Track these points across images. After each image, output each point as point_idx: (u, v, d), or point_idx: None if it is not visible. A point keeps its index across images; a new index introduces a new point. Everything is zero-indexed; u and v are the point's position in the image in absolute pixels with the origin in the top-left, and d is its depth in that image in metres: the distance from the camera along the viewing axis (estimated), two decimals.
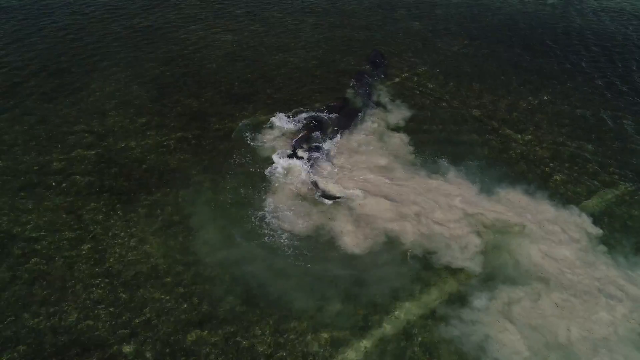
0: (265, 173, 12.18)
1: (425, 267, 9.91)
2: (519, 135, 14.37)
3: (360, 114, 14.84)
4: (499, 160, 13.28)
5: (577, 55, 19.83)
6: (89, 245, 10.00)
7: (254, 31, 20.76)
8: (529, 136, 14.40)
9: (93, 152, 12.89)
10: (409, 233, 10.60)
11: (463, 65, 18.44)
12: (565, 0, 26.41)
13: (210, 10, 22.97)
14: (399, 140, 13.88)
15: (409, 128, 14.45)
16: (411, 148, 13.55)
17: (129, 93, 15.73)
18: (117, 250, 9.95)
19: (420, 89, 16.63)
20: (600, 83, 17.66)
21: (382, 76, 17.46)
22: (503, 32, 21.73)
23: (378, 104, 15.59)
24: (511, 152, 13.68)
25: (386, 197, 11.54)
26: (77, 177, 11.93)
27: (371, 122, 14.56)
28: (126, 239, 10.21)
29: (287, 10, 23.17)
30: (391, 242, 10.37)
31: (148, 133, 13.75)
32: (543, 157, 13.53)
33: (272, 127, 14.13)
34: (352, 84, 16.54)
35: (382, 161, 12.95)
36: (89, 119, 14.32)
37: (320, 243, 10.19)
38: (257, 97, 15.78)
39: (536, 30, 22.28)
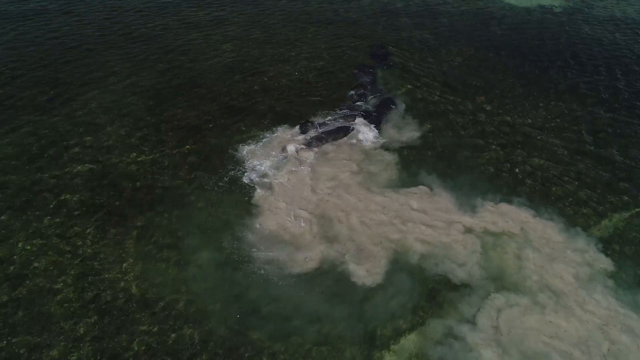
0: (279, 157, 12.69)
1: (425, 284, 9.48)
2: (525, 152, 13.89)
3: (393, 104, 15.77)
4: (504, 177, 12.82)
5: (584, 67, 19.34)
6: (76, 272, 9.59)
7: (255, 40, 20.37)
8: (536, 153, 13.91)
9: (86, 168, 12.51)
10: (412, 251, 10.26)
11: (468, 77, 17.98)
12: (571, 8, 25.91)
13: (211, 17, 22.61)
14: (398, 154, 13.51)
15: (411, 142, 14.06)
16: (412, 162, 13.19)
17: (125, 105, 15.36)
18: (106, 276, 9.54)
19: (424, 101, 16.16)
20: (608, 97, 17.17)
21: (385, 67, 18.28)
22: (508, 42, 21.26)
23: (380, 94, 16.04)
24: (516, 169, 13.21)
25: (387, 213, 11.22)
26: (68, 195, 11.54)
27: (373, 136, 14.11)
28: (116, 265, 9.80)
29: (289, 18, 22.78)
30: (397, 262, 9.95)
31: (143, 148, 13.36)
32: (551, 175, 13.04)
33: (270, 142, 13.71)
34: (355, 74, 17.50)
35: (383, 176, 12.60)
36: (83, 132, 13.95)
37: (318, 270, 9.74)
38: (256, 109, 15.38)
39: (542, 40, 21.80)
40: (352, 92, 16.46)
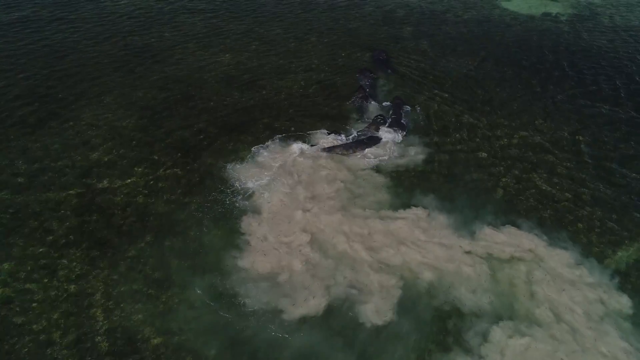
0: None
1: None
2: (535, 174, 13.28)
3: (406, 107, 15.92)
4: (513, 201, 12.22)
5: (593, 79, 18.71)
6: (61, 310, 8.99)
7: (254, 51, 19.79)
8: (546, 172, 13.29)
9: (74, 192, 11.92)
10: (419, 279, 9.72)
11: (473, 90, 17.38)
12: (576, 17, 25.31)
13: (209, 27, 22.04)
14: (396, 172, 12.99)
15: (412, 157, 13.45)
16: (411, 180, 12.71)
17: (118, 122, 14.78)
18: (93, 315, 8.94)
19: (427, 115, 15.55)
20: (620, 112, 16.54)
21: (389, 71, 18.25)
22: (514, 53, 20.66)
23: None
24: (527, 192, 12.59)
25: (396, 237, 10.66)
26: (55, 222, 10.96)
27: (372, 155, 13.53)
28: (103, 302, 9.21)
29: (288, 28, 22.20)
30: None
31: (135, 169, 12.77)
32: (563, 198, 12.43)
33: (266, 161, 13.11)
34: (357, 78, 17.57)
35: (377, 196, 12.04)
36: (73, 152, 13.37)
37: (319, 310, 9.13)
38: (254, 126, 14.79)
39: (548, 50, 21.19)
40: (354, 98, 16.22)
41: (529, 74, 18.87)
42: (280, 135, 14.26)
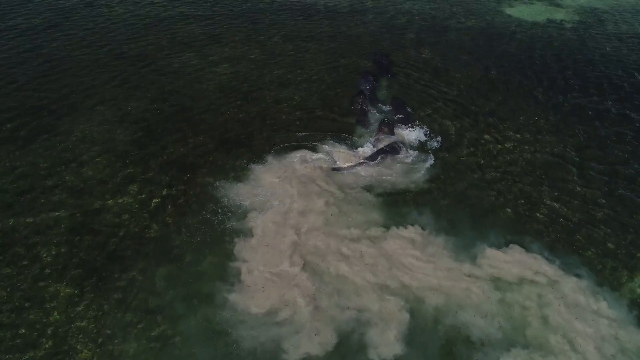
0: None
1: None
2: (543, 191, 12.77)
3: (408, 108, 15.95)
4: (521, 221, 11.72)
5: (599, 89, 18.23)
6: (46, 346, 8.46)
7: (253, 60, 19.29)
8: (554, 192, 12.80)
9: (65, 214, 11.39)
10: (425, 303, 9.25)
11: (478, 102, 16.88)
12: (582, 23, 24.84)
13: (207, 35, 21.54)
14: (393, 187, 12.52)
15: (412, 170, 12.93)
16: (410, 196, 12.26)
17: (111, 136, 14.27)
18: (80, 350, 8.41)
19: (430, 132, 15.03)
20: (628, 126, 16.05)
21: (389, 75, 18.20)
22: (520, 62, 20.18)
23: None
24: (535, 211, 12.09)
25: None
26: (43, 248, 10.42)
27: (369, 174, 13.03)
28: (93, 335, 8.68)
29: (288, 35, 21.70)
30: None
31: (128, 189, 12.25)
32: (573, 219, 11.92)
33: (267, 180, 12.60)
34: (358, 80, 17.55)
35: (378, 215, 11.57)
36: (64, 169, 12.86)
37: (328, 348, 8.61)
38: (254, 141, 14.28)
39: (553, 58, 20.71)
40: (354, 102, 16.00)
41: (534, 84, 18.38)
42: (279, 150, 13.75)
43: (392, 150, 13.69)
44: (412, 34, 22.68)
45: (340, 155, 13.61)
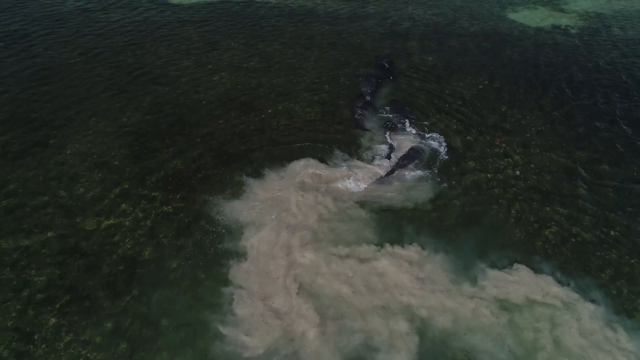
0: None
1: None
2: (553, 209, 12.30)
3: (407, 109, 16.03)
4: (530, 240, 11.27)
5: (606, 99, 17.74)
6: None
7: (252, 69, 18.83)
8: (566, 210, 12.33)
9: (56, 234, 10.93)
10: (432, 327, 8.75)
11: (483, 113, 16.42)
12: (587, 29, 24.38)
13: (205, 42, 21.09)
14: (392, 202, 12.09)
15: (414, 186, 12.45)
16: (410, 214, 11.80)
17: (107, 150, 13.81)
18: None
19: (435, 140, 14.56)
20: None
21: (391, 78, 18.10)
22: (525, 70, 19.72)
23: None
24: (547, 232, 11.62)
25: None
26: (33, 272, 9.97)
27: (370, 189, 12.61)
28: None
29: (288, 42, 21.25)
30: None
31: (124, 207, 11.79)
32: (585, 239, 11.46)
33: (265, 197, 12.14)
34: (360, 83, 17.48)
35: (369, 230, 11.21)
36: (56, 186, 12.41)
37: None
38: (253, 155, 13.83)
39: (561, 67, 20.23)
40: (354, 106, 15.97)
41: (540, 93, 17.91)
42: (278, 164, 13.31)
43: (416, 152, 13.62)
44: (415, 40, 22.23)
45: (359, 169, 13.20)
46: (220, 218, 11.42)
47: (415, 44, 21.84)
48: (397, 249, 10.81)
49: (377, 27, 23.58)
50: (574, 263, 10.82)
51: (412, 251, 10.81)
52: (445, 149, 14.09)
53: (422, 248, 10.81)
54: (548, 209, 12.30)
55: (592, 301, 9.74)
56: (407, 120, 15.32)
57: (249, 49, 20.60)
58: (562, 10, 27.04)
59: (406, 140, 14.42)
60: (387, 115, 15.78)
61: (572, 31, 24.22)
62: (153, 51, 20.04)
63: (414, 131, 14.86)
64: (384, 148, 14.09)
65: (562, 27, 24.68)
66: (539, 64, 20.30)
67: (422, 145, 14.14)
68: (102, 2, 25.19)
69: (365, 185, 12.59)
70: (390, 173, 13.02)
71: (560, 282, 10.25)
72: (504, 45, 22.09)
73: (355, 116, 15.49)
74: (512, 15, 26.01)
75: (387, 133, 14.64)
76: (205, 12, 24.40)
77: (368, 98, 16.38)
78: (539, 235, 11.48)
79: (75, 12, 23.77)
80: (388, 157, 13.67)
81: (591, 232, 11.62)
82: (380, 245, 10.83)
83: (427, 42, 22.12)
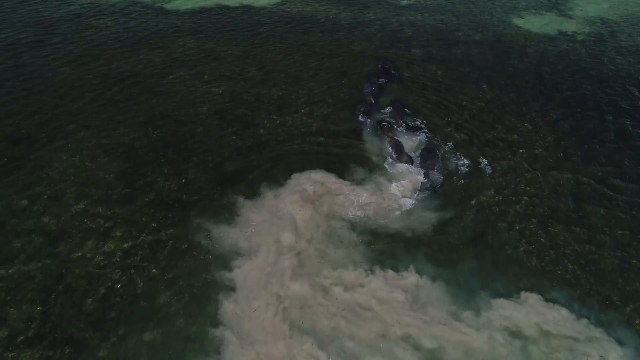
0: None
1: None
2: (571, 231, 11.62)
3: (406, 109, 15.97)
4: (542, 265, 10.64)
5: (617, 112, 17.06)
6: None
7: (250, 79, 18.11)
8: (584, 235, 11.64)
9: (40, 265, 10.18)
10: None
11: (492, 128, 15.73)
12: (594, 35, 23.74)
13: (201, 51, 20.35)
14: (390, 224, 11.40)
15: (420, 219, 11.78)
16: (412, 234, 11.18)
17: (96, 169, 13.08)
18: None
19: (440, 160, 13.88)
20: None
21: (395, 82, 18.00)
22: (532, 80, 19.07)
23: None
24: (566, 261, 10.94)
25: None
26: (13, 309, 9.22)
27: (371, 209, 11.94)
28: None
29: (288, 51, 20.52)
30: None
31: (113, 233, 11.06)
32: (605, 268, 10.78)
33: (262, 222, 11.42)
34: (363, 85, 17.41)
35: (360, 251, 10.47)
36: (42, 209, 11.67)
37: None
38: (250, 175, 13.13)
39: (567, 76, 19.57)
40: (356, 110, 15.84)
41: (549, 106, 17.24)
42: (276, 185, 12.61)
43: (430, 153, 13.53)
44: (418, 48, 21.53)
45: (398, 182, 12.77)
46: (213, 246, 10.73)
47: (419, 52, 21.15)
48: (392, 275, 10.20)
49: (378, 34, 22.89)
50: (594, 294, 10.16)
51: (409, 278, 10.17)
52: (449, 175, 13.35)
53: (420, 275, 10.18)
54: (563, 232, 11.61)
55: (619, 341, 9.06)
56: (405, 119, 15.31)
57: (246, 57, 19.87)
58: (567, 16, 26.41)
59: (409, 140, 14.42)
60: (386, 117, 15.62)
61: (579, 38, 23.58)
62: (147, 59, 19.29)
63: (412, 130, 14.91)
64: (391, 153, 13.91)
65: (569, 33, 24.04)
66: (545, 73, 19.64)
67: (431, 145, 14.16)
68: (95, 7, 24.43)
69: (414, 197, 12.32)
70: (427, 175, 12.86)
71: (579, 315, 9.57)
72: (509, 53, 21.42)
73: (355, 123, 15.27)
74: (517, 21, 25.36)
75: (387, 139, 14.32)
76: (201, 18, 23.67)
77: (371, 100, 16.26)
78: (555, 263, 10.79)
79: (67, 18, 23.01)
80: (403, 160, 13.44)
81: (610, 259, 10.93)
82: (372, 270, 10.22)
83: (431, 50, 21.43)
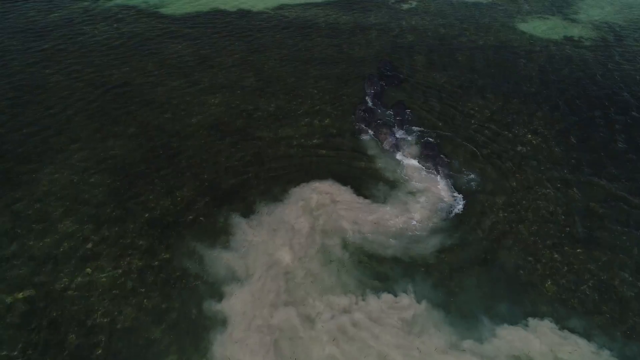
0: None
1: None
2: (592, 250, 10.96)
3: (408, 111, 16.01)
4: (562, 296, 9.95)
5: (630, 119, 16.43)
6: None
7: (247, 88, 17.42)
8: (603, 257, 11.00)
9: (22, 295, 9.48)
10: None
11: (501, 139, 15.08)
12: (601, 41, 23.13)
13: (197, 56, 19.67)
14: (397, 252, 10.77)
15: (431, 241, 11.13)
16: (421, 255, 10.33)
17: (85, 187, 12.39)
18: None
19: (449, 176, 13.22)
20: None
21: (396, 83, 17.84)
22: (538, 87, 18.45)
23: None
24: (584, 287, 10.28)
25: None
26: None
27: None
28: None
29: (287, 58, 19.85)
30: None
31: (102, 259, 10.37)
32: (627, 295, 10.12)
33: (262, 246, 10.74)
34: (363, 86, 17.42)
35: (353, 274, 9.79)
36: (27, 232, 10.98)
37: None
38: (249, 192, 12.46)
39: (575, 84, 18.92)
40: (357, 112, 15.73)
41: (558, 116, 16.60)
42: (275, 203, 11.93)
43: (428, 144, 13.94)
44: (421, 54, 20.88)
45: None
46: (206, 272, 10.10)
47: (422, 59, 20.50)
48: (390, 299, 9.64)
49: (380, 40, 22.23)
50: (617, 324, 9.50)
51: (407, 302, 9.63)
52: (457, 190, 12.72)
53: (418, 302, 9.54)
54: (581, 258, 10.95)
55: None
56: (404, 119, 15.39)
57: (243, 64, 19.20)
58: (572, 20, 25.80)
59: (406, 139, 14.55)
60: (388, 119, 15.57)
61: (584, 43, 22.97)
62: (140, 68, 18.59)
63: (404, 134, 14.87)
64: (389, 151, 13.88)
65: (574, 38, 23.43)
66: (551, 80, 19.01)
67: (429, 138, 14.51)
68: (87, 13, 23.72)
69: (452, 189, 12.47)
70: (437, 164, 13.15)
71: (598, 346, 8.93)
72: (515, 60, 20.78)
73: (355, 123, 15.20)
74: (521, 26, 24.73)
75: (385, 143, 14.22)
76: (197, 23, 22.97)
77: (372, 102, 16.34)
78: (574, 289, 10.14)
79: (58, 23, 22.31)
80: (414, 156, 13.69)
81: (632, 284, 10.29)
82: (363, 296, 9.61)
83: (434, 57, 20.78)
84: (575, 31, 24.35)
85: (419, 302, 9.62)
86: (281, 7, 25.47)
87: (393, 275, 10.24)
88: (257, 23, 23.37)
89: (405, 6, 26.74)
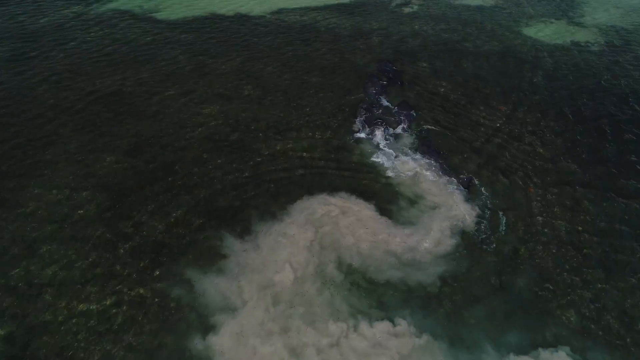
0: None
1: None
2: (614, 276, 10.32)
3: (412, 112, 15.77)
4: (585, 328, 9.28)
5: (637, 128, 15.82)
6: None
7: (246, 98, 16.70)
8: (625, 284, 10.34)
9: (5, 331, 8.72)
10: None
11: (511, 152, 14.45)
12: (608, 45, 22.51)
13: (193, 64, 18.93)
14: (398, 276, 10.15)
15: (440, 261, 10.48)
16: (426, 275, 9.68)
17: (74, 206, 11.67)
18: None
19: (456, 191, 12.56)
20: None
21: (399, 83, 17.48)
22: (547, 95, 17.85)
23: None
24: (609, 315, 9.62)
25: None
26: None
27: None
28: None
29: (286, 65, 19.13)
30: None
31: (89, 288, 9.65)
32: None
33: (256, 266, 10.05)
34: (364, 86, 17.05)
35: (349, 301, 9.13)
36: (10, 259, 10.21)
37: None
38: (246, 213, 11.77)
39: (584, 92, 18.32)
40: (358, 111, 15.59)
41: (568, 125, 15.98)
42: (275, 222, 11.26)
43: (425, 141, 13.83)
44: (425, 61, 20.20)
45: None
46: (200, 302, 9.47)
47: (426, 65, 19.83)
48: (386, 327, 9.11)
49: (382, 45, 21.55)
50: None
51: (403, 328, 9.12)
52: (466, 208, 12.09)
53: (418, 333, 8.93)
54: (598, 278, 10.32)
55: None
56: (409, 119, 15.34)
57: (241, 72, 18.46)
58: (578, 24, 25.18)
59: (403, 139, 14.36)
60: (391, 117, 15.40)
61: (591, 48, 22.36)
62: (134, 76, 17.83)
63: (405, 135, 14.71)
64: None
65: (582, 43, 22.81)
66: (559, 87, 18.42)
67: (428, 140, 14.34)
68: (80, 17, 22.91)
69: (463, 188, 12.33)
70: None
71: None
72: (521, 66, 20.14)
73: (355, 124, 15.04)
74: (526, 30, 24.09)
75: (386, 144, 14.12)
76: (193, 29, 22.20)
77: (373, 102, 16.18)
78: (598, 321, 9.47)
79: (49, 29, 21.49)
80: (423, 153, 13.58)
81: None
82: (355, 326, 9.10)
83: (438, 63, 20.12)
84: (581, 35, 23.74)
85: (420, 331, 8.95)
86: (279, 11, 24.75)
87: (395, 301, 9.63)
88: (256, 29, 22.63)
89: (406, 10, 26.06)
